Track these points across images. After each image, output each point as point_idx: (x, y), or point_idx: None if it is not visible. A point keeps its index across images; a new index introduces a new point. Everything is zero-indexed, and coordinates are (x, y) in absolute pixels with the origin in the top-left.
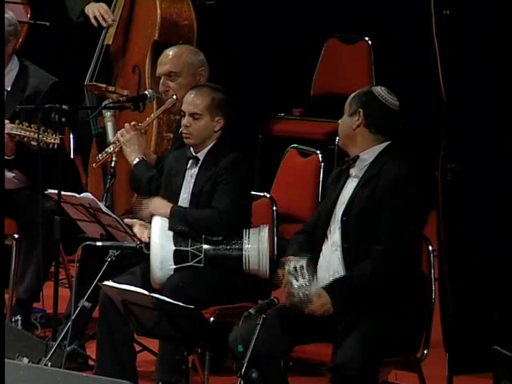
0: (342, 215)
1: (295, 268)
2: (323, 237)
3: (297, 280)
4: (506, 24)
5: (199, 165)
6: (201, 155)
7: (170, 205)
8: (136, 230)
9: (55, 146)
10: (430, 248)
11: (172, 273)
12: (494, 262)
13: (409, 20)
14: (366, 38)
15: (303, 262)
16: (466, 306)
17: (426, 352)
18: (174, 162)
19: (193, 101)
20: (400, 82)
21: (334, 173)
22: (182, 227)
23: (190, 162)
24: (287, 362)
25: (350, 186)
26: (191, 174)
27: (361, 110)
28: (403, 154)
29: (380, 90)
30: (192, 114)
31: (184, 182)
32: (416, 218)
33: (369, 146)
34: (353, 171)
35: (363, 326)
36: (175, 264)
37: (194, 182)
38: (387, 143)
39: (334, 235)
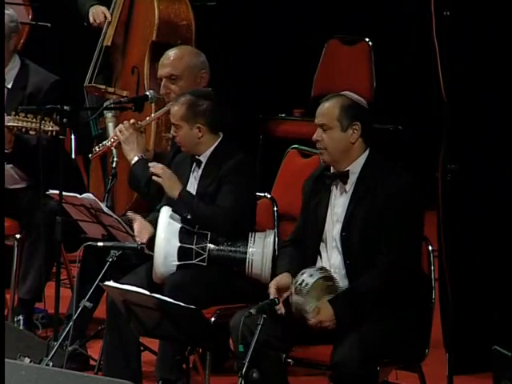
0: (341, 231)
1: (301, 283)
2: (314, 255)
3: (296, 295)
4: (506, 24)
5: (202, 167)
6: (203, 158)
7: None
8: (135, 226)
9: (54, 133)
10: (430, 248)
11: (175, 269)
12: (494, 262)
13: (409, 21)
14: (367, 39)
15: (312, 279)
16: (466, 306)
17: (426, 352)
18: (180, 165)
19: (172, 111)
20: (400, 83)
21: (310, 183)
22: (185, 213)
23: (194, 164)
24: (287, 362)
25: (340, 202)
26: (195, 176)
27: (358, 122)
28: (385, 158)
29: (354, 95)
30: (173, 124)
31: (188, 184)
32: (417, 224)
33: (358, 158)
34: (340, 186)
35: (363, 325)
36: (178, 261)
37: (198, 184)
38: (367, 151)
39: (331, 256)
